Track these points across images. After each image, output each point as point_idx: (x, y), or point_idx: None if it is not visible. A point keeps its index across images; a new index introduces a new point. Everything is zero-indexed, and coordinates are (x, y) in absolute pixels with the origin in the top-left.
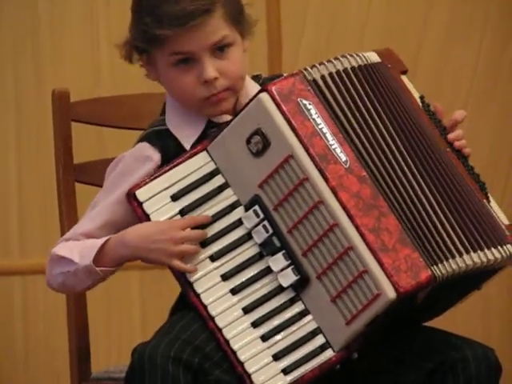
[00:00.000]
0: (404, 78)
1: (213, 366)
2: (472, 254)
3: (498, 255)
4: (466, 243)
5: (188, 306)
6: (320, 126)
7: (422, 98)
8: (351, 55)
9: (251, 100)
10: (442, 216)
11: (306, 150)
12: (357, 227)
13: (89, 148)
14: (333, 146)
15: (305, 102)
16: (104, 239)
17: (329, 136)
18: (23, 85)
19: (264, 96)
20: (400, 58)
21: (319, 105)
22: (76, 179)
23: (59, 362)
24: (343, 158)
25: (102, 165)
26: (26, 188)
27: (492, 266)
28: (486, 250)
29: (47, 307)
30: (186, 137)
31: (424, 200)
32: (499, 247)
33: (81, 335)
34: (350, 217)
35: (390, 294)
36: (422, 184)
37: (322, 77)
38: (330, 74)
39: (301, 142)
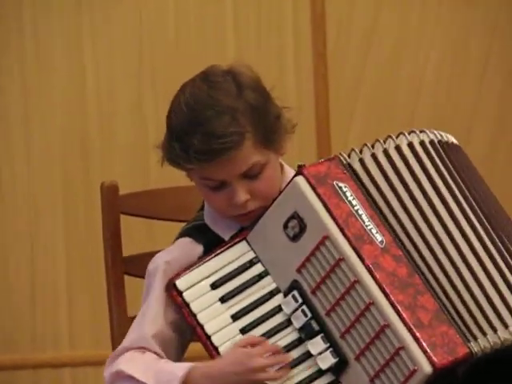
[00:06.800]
0: None
1: None
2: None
3: None
4: (498, 319)
5: None
6: (356, 208)
7: None
8: (398, 135)
9: (287, 185)
10: (476, 293)
11: (342, 230)
12: (392, 304)
13: (138, 240)
14: (368, 227)
15: (340, 184)
16: (185, 368)
17: (364, 217)
18: (72, 178)
19: (300, 179)
20: None
21: (355, 187)
22: (125, 271)
23: None
24: (379, 238)
25: (151, 257)
26: (74, 280)
27: None
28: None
29: None
30: (225, 230)
31: (460, 279)
32: None
33: None
34: (386, 294)
35: (426, 368)
36: (457, 262)
37: (360, 160)
38: (373, 155)
39: (336, 222)
